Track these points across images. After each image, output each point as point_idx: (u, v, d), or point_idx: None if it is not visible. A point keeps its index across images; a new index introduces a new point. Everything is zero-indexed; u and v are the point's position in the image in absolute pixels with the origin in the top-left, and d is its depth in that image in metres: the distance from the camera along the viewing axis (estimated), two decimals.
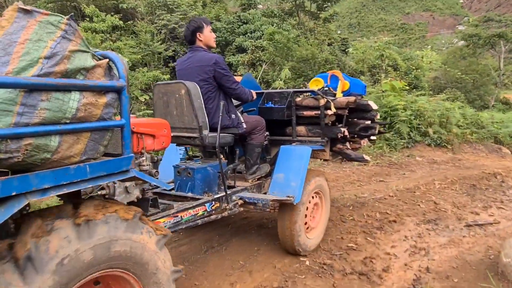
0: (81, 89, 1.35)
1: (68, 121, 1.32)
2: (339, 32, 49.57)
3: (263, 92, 3.44)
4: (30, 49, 1.23)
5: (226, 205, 2.70)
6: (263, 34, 18.67)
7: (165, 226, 2.20)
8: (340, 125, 3.20)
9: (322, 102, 3.07)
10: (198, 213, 2.51)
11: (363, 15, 49.88)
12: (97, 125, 1.41)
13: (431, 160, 7.42)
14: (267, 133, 3.27)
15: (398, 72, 12.71)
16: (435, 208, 4.25)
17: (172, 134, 2.44)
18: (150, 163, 2.10)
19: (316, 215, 3.26)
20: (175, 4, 20.80)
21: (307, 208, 3.04)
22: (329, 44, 26.26)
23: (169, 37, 21.45)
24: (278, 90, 3.50)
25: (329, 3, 20.16)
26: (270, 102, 3.37)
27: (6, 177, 1.15)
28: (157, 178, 2.10)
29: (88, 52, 1.39)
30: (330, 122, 3.18)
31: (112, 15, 16.65)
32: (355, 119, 3.37)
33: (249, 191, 2.97)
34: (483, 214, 4.10)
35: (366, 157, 3.48)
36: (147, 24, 17.16)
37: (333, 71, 3.54)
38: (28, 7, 1.27)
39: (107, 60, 1.47)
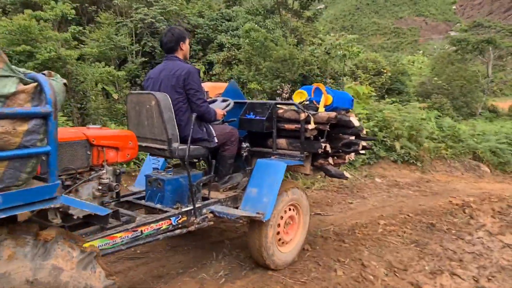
0: None
1: None
2: (332, 34, 48.00)
3: (245, 102, 3.39)
4: None
5: (194, 218, 2.61)
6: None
7: (122, 242, 2.14)
8: (322, 139, 3.13)
9: (303, 116, 3.00)
10: (161, 227, 2.38)
11: (356, 18, 48.47)
12: (14, 154, 1.35)
13: (392, 183, 6.01)
14: (247, 144, 3.26)
15: (368, 75, 11.23)
16: (358, 277, 2.83)
17: (144, 144, 2.65)
18: (112, 176, 2.09)
19: (291, 228, 3.15)
20: None
21: (281, 217, 2.98)
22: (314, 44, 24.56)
23: (147, 33, 19.66)
24: (260, 101, 3.47)
25: (313, 1, 18.56)
26: (252, 113, 3.27)
27: None
28: (118, 191, 2.14)
29: (12, 76, 1.34)
30: (312, 137, 3.10)
31: (86, 6, 15.07)
32: (339, 134, 3.26)
33: (223, 203, 2.89)
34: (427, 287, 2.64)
35: (347, 174, 3.34)
36: (111, 16, 15.47)
37: (317, 83, 3.44)
38: None
39: (34, 84, 1.40)
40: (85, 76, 12.54)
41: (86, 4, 20.77)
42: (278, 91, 14.69)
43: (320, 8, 24.00)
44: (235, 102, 3.21)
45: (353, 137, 3.29)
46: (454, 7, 50.39)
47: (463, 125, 9.51)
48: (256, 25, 19.64)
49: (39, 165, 1.51)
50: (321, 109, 3.25)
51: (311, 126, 3.00)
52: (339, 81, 8.75)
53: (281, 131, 3.21)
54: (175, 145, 2.58)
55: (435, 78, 19.59)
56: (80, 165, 1.96)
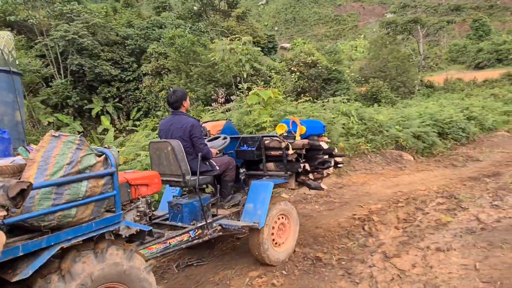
0: (87, 178, 2.14)
1: (80, 199, 2.10)
2: (276, 28, 47.46)
3: (239, 137, 4.15)
4: (58, 160, 2.08)
5: (207, 231, 3.31)
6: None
7: (157, 251, 2.90)
8: (303, 160, 3.88)
9: (283, 144, 3.75)
10: (183, 239, 3.10)
11: (297, 10, 48.29)
12: (98, 198, 2.18)
13: (300, 197, 5.28)
14: (244, 169, 4.02)
15: (279, 75, 10.52)
16: None
17: (164, 179, 3.34)
18: (145, 205, 2.83)
19: (284, 232, 3.82)
20: (75, 13, 17.08)
21: (273, 227, 3.64)
22: (255, 43, 23.72)
23: (73, 50, 17.82)
24: (251, 135, 4.22)
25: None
26: (245, 145, 3.98)
27: (48, 235, 1.99)
28: (151, 215, 2.95)
29: (92, 153, 2.19)
30: (293, 159, 3.83)
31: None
32: (315, 155, 3.98)
33: (228, 218, 3.56)
34: None
35: (323, 186, 4.10)
36: (16, 38, 13.73)
37: (293, 118, 4.17)
38: (56, 134, 2.14)
39: (103, 156, 2.24)
40: None
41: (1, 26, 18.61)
42: (213, 97, 13.69)
43: (261, 4, 23.19)
44: (231, 138, 4.03)
45: (326, 156, 4.06)
46: None
47: (381, 115, 8.98)
48: (185, 30, 18.47)
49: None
50: (298, 137, 3.93)
51: (290, 151, 3.72)
52: (240, 86, 8.00)
53: (268, 157, 3.96)
54: (188, 177, 3.31)
55: (351, 74, 19.38)
56: (124, 199, 2.69)
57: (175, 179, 3.38)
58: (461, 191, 5.86)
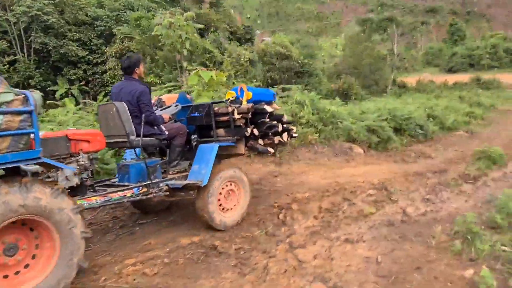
0: (2, 113, 2.35)
1: None
2: (258, 22, 46.94)
3: (191, 105, 4.27)
4: None
5: (152, 190, 3.47)
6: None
7: (96, 203, 3.08)
8: (252, 126, 4.02)
9: (230, 109, 3.90)
10: (126, 195, 3.29)
11: (281, 5, 48.06)
12: (13, 133, 2.39)
13: None
14: (195, 136, 4.20)
15: (230, 59, 10.13)
16: None
17: (112, 141, 3.54)
18: (87, 160, 3.04)
19: (232, 199, 3.95)
20: None
21: (220, 193, 3.77)
22: (232, 33, 23.14)
23: (37, 28, 16.79)
24: (201, 103, 4.34)
25: None
26: (196, 112, 4.12)
27: None
28: (91, 170, 3.10)
29: (10, 92, 2.40)
30: (242, 124, 3.97)
31: None
32: (263, 120, 4.11)
33: (177, 180, 3.72)
34: None
35: (270, 150, 4.29)
36: None
37: (241, 85, 4.28)
38: None
39: (22, 96, 2.44)
40: None
41: None
42: (178, 83, 13.13)
43: None
44: (183, 106, 4.16)
45: (274, 122, 4.19)
46: None
47: (334, 106, 8.70)
48: (157, 14, 17.70)
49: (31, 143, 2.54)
50: (244, 103, 4.00)
51: (236, 116, 3.85)
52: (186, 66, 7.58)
53: (218, 123, 4.04)
54: (132, 137, 3.46)
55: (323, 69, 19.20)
56: (62, 152, 2.96)
57: (121, 140, 3.50)
58: (400, 184, 5.63)
